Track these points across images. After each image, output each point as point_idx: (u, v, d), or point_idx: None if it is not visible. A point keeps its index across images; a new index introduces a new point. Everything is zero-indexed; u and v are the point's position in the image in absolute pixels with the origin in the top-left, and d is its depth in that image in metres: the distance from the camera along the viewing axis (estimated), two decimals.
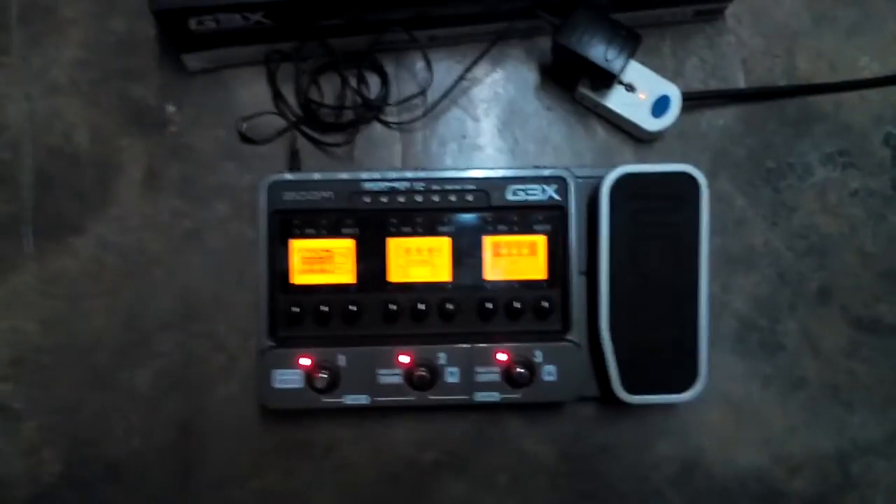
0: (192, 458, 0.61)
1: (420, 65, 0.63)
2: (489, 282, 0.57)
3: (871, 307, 0.63)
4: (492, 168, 0.57)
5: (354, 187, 0.56)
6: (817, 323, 0.63)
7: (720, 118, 0.63)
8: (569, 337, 0.57)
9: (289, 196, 0.55)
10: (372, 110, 0.62)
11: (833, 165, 0.63)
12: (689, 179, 0.55)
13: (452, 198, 0.56)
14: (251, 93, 0.62)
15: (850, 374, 0.62)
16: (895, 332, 0.63)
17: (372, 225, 0.56)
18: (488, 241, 0.57)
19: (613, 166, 0.55)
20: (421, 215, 0.56)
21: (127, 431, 0.61)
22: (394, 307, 0.56)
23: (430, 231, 0.57)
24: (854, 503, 0.62)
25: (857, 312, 0.63)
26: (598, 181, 0.55)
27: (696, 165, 0.55)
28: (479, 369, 0.56)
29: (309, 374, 0.55)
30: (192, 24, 0.55)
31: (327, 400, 0.55)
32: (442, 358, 0.56)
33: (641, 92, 0.60)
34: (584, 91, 0.61)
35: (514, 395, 0.56)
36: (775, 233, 0.63)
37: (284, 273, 0.56)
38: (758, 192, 0.63)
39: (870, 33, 0.64)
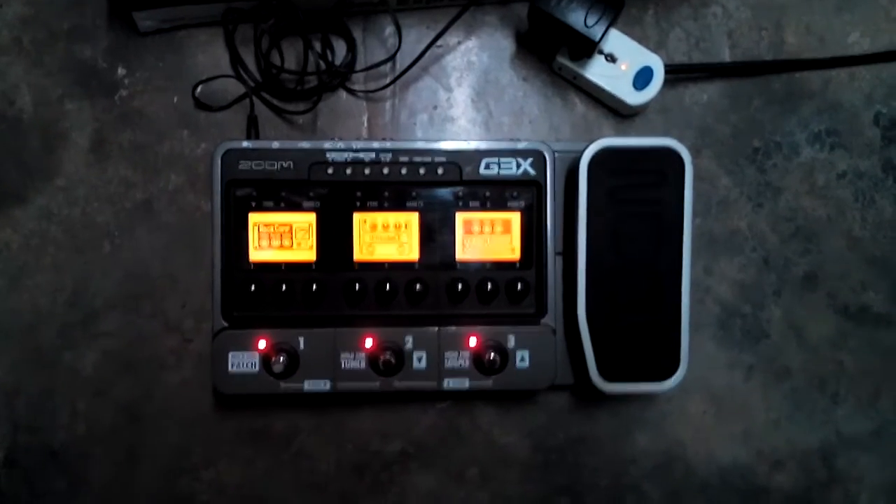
0: (141, 446, 0.59)
1: (389, 30, 0.61)
2: (460, 261, 0.55)
3: (859, 294, 0.61)
4: (464, 140, 0.54)
5: (316, 157, 0.53)
6: (803, 310, 0.61)
7: (704, 93, 0.61)
8: (543, 321, 0.55)
9: (245, 165, 0.53)
10: (337, 77, 0.60)
11: (821, 145, 0.61)
12: (673, 154, 0.53)
13: (422, 170, 0.54)
14: (207, 55, 0.60)
15: (836, 364, 0.61)
16: (883, 321, 0.61)
17: (335, 198, 0.54)
18: (460, 218, 0.54)
19: (592, 140, 0.52)
20: (388, 189, 0.54)
21: (71, 417, 0.58)
22: (358, 287, 0.54)
23: (398, 206, 0.54)
24: (838, 499, 0.61)
25: (845, 300, 0.61)
26: (577, 156, 0.53)
27: (679, 142, 0.53)
28: (448, 354, 0.54)
29: (266, 358, 0.53)
30: None
31: (286, 385, 0.54)
32: (409, 341, 0.54)
33: (623, 63, 0.58)
34: (563, 61, 0.59)
35: (485, 383, 0.54)
36: (760, 215, 0.61)
37: (240, 249, 0.54)
38: (742, 172, 0.61)
39: (860, 8, 0.62)
